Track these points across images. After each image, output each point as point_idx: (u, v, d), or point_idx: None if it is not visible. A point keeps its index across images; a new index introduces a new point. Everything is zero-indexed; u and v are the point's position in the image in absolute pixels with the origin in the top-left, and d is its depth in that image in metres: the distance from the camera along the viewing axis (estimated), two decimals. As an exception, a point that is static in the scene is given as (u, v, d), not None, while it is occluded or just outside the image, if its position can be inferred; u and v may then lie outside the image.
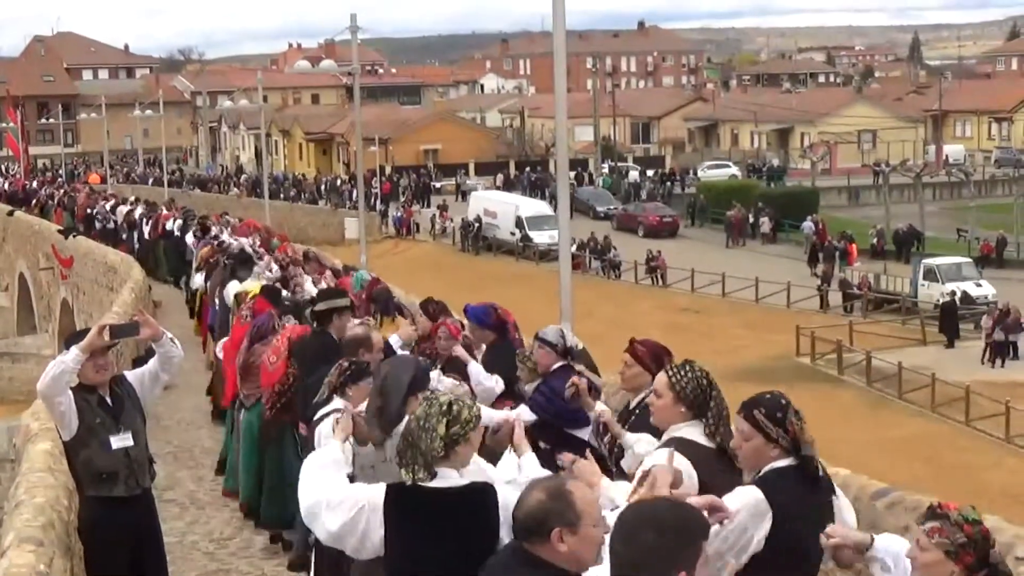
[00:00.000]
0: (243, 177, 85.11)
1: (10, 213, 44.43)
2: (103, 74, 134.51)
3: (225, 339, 12.31)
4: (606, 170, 78.28)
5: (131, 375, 7.46)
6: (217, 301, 15.81)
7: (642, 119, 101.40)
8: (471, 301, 9.39)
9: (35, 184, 58.27)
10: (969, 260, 45.69)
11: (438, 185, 77.90)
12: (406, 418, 5.23)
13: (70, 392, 6.91)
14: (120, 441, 7.04)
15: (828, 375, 33.77)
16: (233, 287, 14.61)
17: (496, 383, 8.12)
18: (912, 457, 26.00)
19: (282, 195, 73.74)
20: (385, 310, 11.48)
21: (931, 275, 43.03)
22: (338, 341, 8.40)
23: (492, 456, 5.64)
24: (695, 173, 76.67)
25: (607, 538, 3.65)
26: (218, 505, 11.00)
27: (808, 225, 52.89)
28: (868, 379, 32.82)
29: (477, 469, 5.15)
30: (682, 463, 4.85)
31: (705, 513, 3.84)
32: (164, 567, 7.57)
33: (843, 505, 4.76)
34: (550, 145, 77.07)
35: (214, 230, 24.13)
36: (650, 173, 77.66)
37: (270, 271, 15.49)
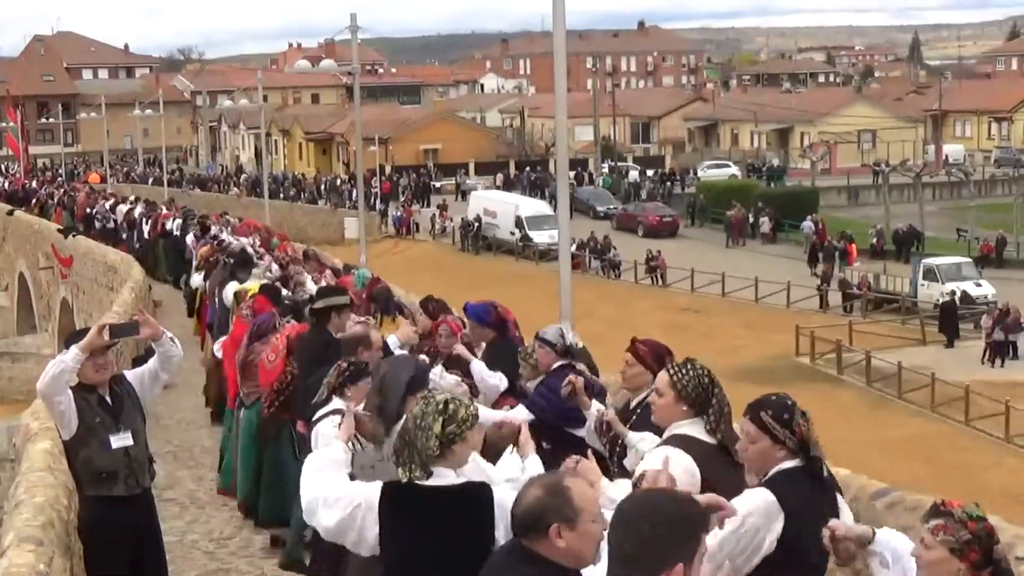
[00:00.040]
0: (243, 177, 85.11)
1: (10, 212, 44.43)
2: (103, 74, 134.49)
3: (224, 338, 12.31)
4: (606, 170, 78.27)
5: (131, 374, 7.46)
6: (216, 301, 15.81)
7: (642, 119, 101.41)
8: (471, 300, 9.40)
9: (34, 184, 58.26)
10: (969, 260, 45.69)
11: (438, 185, 77.90)
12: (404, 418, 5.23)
13: (70, 391, 6.91)
14: (120, 440, 7.04)
15: (828, 375, 33.77)
16: (232, 287, 14.61)
17: (500, 380, 8.12)
18: (912, 457, 26.00)
19: (282, 195, 73.75)
20: (385, 309, 11.48)
21: (931, 275, 43.03)
22: (337, 339, 8.40)
23: (495, 453, 5.64)
24: (695, 173, 76.68)
25: (606, 535, 3.64)
26: (218, 504, 11.01)
27: (808, 225, 52.90)
28: (868, 379, 32.82)
29: (476, 468, 5.15)
30: (684, 460, 4.85)
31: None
32: (164, 566, 7.57)
33: (840, 504, 4.77)
34: (550, 145, 77.10)
35: (214, 230, 24.13)
36: (650, 173, 77.65)
37: (270, 272, 15.49)
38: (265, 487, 9.63)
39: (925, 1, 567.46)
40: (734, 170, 77.18)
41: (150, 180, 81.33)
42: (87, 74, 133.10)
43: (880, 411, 30.59)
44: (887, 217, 55.54)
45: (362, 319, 10.53)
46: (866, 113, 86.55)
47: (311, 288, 13.31)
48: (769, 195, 62.85)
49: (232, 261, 16.01)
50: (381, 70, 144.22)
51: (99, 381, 7.06)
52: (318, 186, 78.23)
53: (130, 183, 79.81)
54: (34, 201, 47.99)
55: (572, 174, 66.83)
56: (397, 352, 8.71)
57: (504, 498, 4.39)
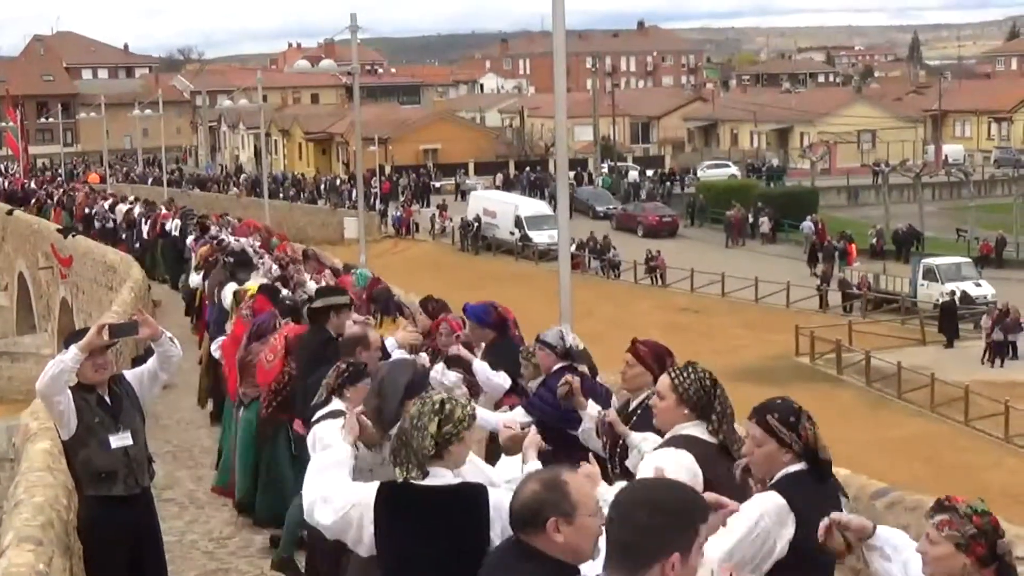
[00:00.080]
0: (242, 177, 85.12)
1: (9, 212, 44.43)
2: (103, 73, 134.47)
3: (222, 338, 12.32)
4: (605, 170, 78.27)
5: (130, 374, 7.46)
6: (216, 300, 15.77)
7: (641, 119, 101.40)
8: (470, 300, 9.39)
9: (33, 184, 58.24)
10: (968, 260, 45.70)
11: (437, 185, 77.89)
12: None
13: (69, 391, 6.91)
14: (119, 440, 7.04)
15: (827, 375, 33.77)
16: (231, 288, 14.59)
17: (504, 380, 8.11)
18: (911, 457, 26.00)
19: (281, 195, 73.76)
20: (385, 310, 11.47)
21: (930, 275, 43.04)
22: (336, 339, 8.39)
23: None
24: (695, 173, 76.68)
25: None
26: (217, 504, 11.00)
27: (807, 225, 52.90)
28: (867, 379, 32.82)
29: (475, 470, 5.15)
30: (685, 458, 4.85)
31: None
32: (163, 566, 7.58)
33: (843, 508, 4.77)
34: (549, 145, 77.11)
35: (213, 230, 24.11)
36: (649, 173, 77.66)
37: (271, 273, 15.47)
38: (262, 487, 9.63)
39: (925, 1, 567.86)
40: (734, 170, 77.18)
41: (150, 180, 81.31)
42: (87, 74, 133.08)
43: (880, 411, 30.59)
44: (887, 217, 55.55)
45: (362, 319, 10.55)
46: (866, 113, 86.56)
47: (311, 288, 13.30)
48: (769, 195, 62.85)
49: (232, 261, 16.00)
50: (381, 70, 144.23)
51: (98, 381, 7.06)
52: (318, 186, 78.24)
53: (129, 183, 79.79)
54: (33, 201, 47.97)
55: (572, 174, 66.83)
56: (395, 354, 8.72)
57: (501, 500, 4.37)
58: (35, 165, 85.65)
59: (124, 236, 34.45)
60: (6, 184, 62.06)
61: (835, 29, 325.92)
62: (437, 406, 4.80)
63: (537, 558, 3.79)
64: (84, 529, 7.12)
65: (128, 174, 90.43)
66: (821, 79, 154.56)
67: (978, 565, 3.93)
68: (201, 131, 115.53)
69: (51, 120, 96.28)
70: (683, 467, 4.76)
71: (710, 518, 3.70)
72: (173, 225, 29.36)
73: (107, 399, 7.09)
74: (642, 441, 5.83)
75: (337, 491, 4.92)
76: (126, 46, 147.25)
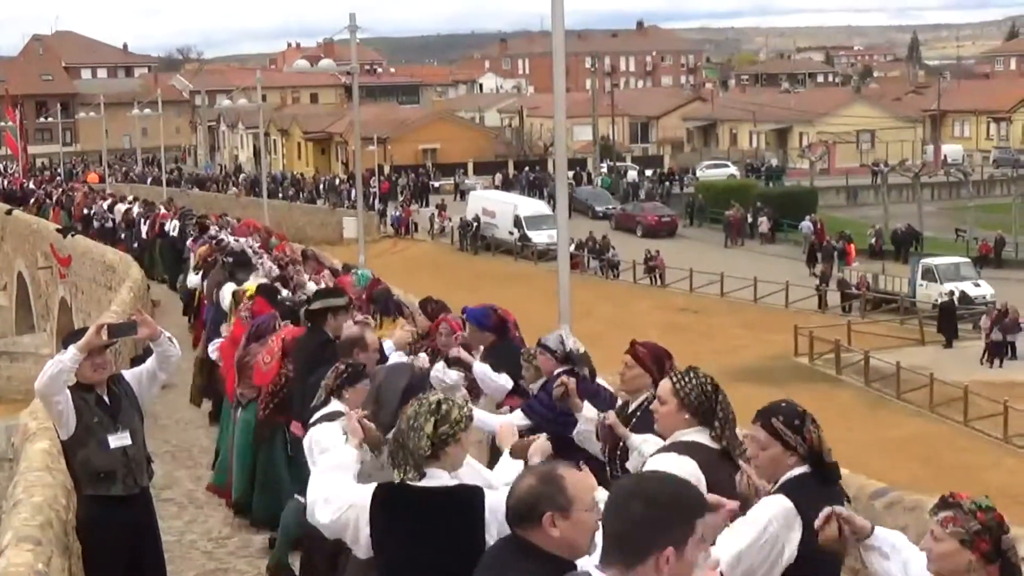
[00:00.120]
0: (241, 176, 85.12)
1: (8, 212, 44.43)
2: (102, 73, 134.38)
3: (220, 340, 12.33)
4: (605, 170, 78.27)
5: (129, 374, 7.46)
6: (215, 300, 15.76)
7: (641, 119, 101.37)
8: (470, 300, 9.41)
9: (32, 184, 58.23)
10: (967, 260, 45.71)
11: (436, 184, 77.88)
12: None
13: (68, 391, 6.91)
14: (118, 440, 7.04)
15: (826, 375, 33.78)
16: (229, 288, 14.59)
17: (506, 381, 8.10)
18: (910, 457, 26.00)
19: (280, 194, 73.75)
20: (385, 310, 11.46)
21: (929, 275, 43.06)
22: (333, 341, 8.38)
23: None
24: (694, 173, 76.69)
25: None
26: (216, 504, 11.00)
27: (806, 225, 52.91)
28: (866, 379, 32.83)
29: (474, 472, 5.14)
30: (688, 465, 4.84)
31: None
32: (162, 566, 7.58)
33: None
34: (549, 145, 77.04)
35: (212, 230, 24.10)
36: (648, 173, 77.67)
37: (271, 274, 15.46)
38: (259, 488, 9.65)
39: (924, 1, 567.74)
40: (733, 170, 77.18)
41: (149, 180, 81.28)
42: (86, 73, 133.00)
43: (879, 411, 30.59)
44: (886, 217, 55.58)
45: (363, 318, 10.55)
46: (865, 113, 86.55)
47: (311, 289, 13.30)
48: (768, 195, 62.85)
49: (231, 261, 16.00)
50: (380, 70, 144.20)
51: (97, 381, 7.06)
52: (317, 186, 78.24)
53: (129, 183, 79.76)
54: (32, 201, 47.95)
55: (571, 174, 66.83)
56: (393, 355, 8.73)
57: (498, 502, 4.34)
58: (34, 165, 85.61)
59: (123, 236, 34.44)
60: (5, 184, 62.06)
61: (834, 29, 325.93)
62: (433, 406, 4.79)
63: (533, 553, 3.78)
64: (83, 529, 7.11)
65: (127, 174, 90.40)
66: (820, 79, 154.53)
67: (983, 561, 3.92)
68: (200, 131, 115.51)
69: (50, 120, 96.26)
70: (686, 473, 4.76)
71: (711, 518, 3.69)
72: (172, 225, 29.37)
73: (106, 399, 7.09)
74: (642, 443, 5.82)
75: (337, 491, 4.93)
76: (125, 46, 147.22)
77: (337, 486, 4.98)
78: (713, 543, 3.99)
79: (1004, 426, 27.87)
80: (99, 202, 41.19)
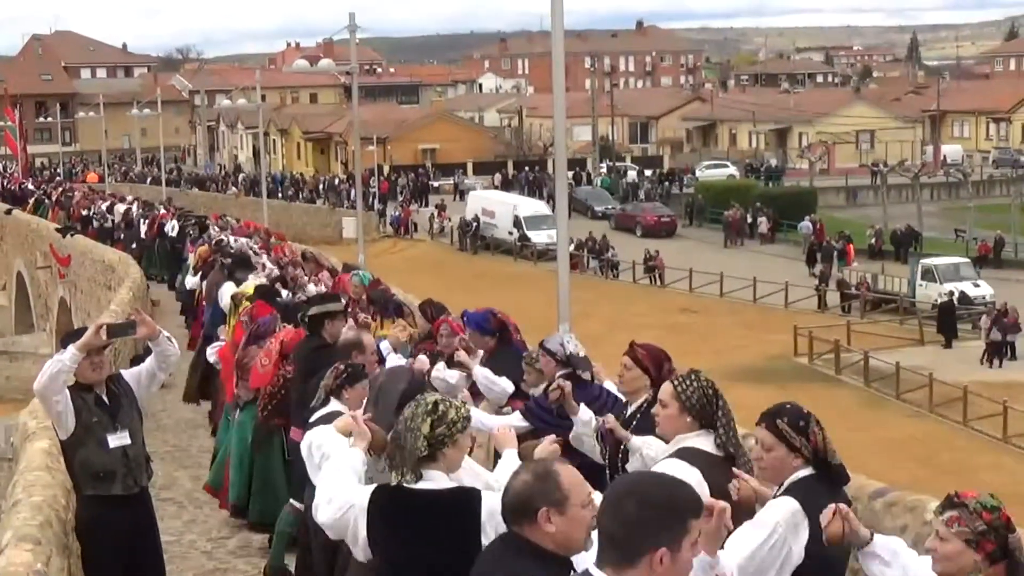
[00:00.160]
0: (241, 176, 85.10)
1: (8, 211, 44.43)
2: (101, 73, 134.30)
3: (219, 344, 12.33)
4: (604, 170, 78.28)
5: (128, 373, 7.45)
6: (215, 300, 15.75)
7: (640, 119, 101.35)
8: (469, 300, 9.42)
9: (30, 185, 58.22)
10: (967, 260, 45.74)
11: (436, 184, 77.88)
12: None
13: (67, 391, 6.90)
14: (117, 440, 7.03)
15: (826, 375, 33.78)
16: (229, 288, 14.59)
17: (507, 384, 8.10)
18: (910, 457, 26.00)
19: (280, 194, 73.73)
20: (384, 311, 11.46)
21: (929, 275, 43.08)
22: (331, 346, 8.40)
23: None
24: (693, 173, 76.70)
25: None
26: (215, 504, 11.00)
27: (806, 225, 52.94)
28: (866, 379, 32.83)
29: (474, 474, 5.13)
30: (692, 473, 4.84)
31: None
32: (161, 566, 7.57)
33: None
34: (548, 145, 77.01)
35: (212, 231, 24.12)
36: (648, 173, 77.68)
37: (271, 275, 15.46)
38: (255, 492, 9.66)
39: (923, 1, 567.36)
40: (732, 170, 77.20)
41: (148, 180, 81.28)
42: (85, 73, 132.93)
43: (878, 411, 30.59)
44: (885, 217, 55.60)
45: (365, 318, 10.56)
46: (864, 113, 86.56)
47: (312, 292, 13.31)
48: (767, 195, 62.88)
49: (230, 261, 16.01)
50: (379, 70, 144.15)
51: (96, 380, 7.05)
52: (316, 186, 78.23)
53: (128, 183, 79.80)
54: (32, 201, 47.95)
55: (570, 174, 66.81)
56: (390, 356, 8.75)
57: (495, 504, 4.32)
58: (34, 165, 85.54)
59: (123, 236, 34.46)
60: (5, 184, 62.04)
61: (834, 29, 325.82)
62: (430, 407, 4.78)
63: (527, 550, 3.77)
64: (82, 529, 7.11)
65: (127, 173, 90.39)
66: (820, 79, 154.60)
67: (988, 561, 3.90)
68: (200, 131, 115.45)
69: (50, 119, 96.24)
70: (690, 481, 4.75)
71: (710, 521, 3.68)
72: (171, 225, 29.39)
73: (105, 399, 7.08)
74: (643, 445, 5.81)
75: (338, 492, 4.93)
76: (125, 45, 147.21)
77: (338, 486, 4.98)
78: (721, 546, 3.99)
79: (1003, 426, 27.87)
80: (98, 203, 41.20)
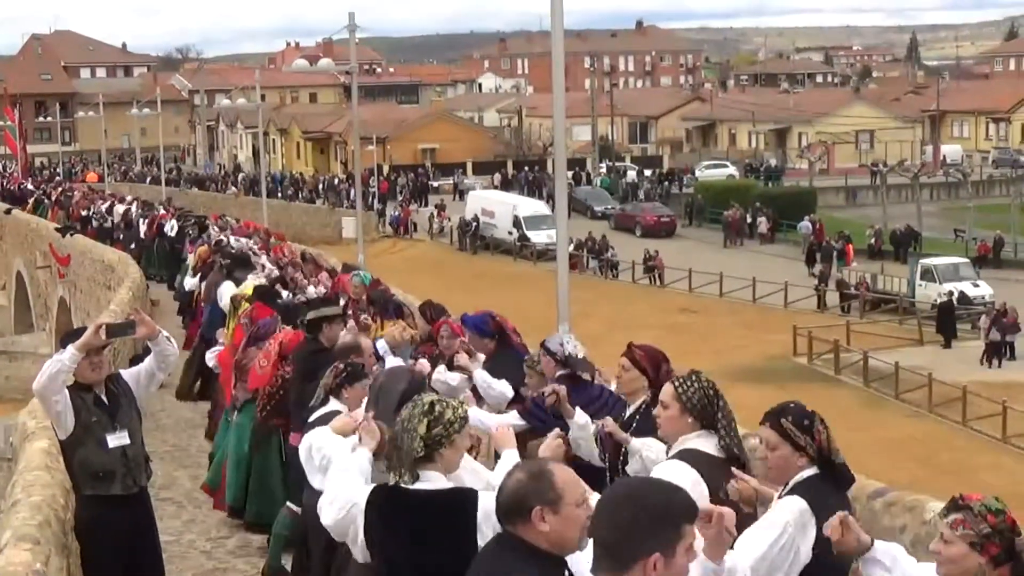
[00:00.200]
0: (240, 176, 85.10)
1: (7, 211, 44.43)
2: (101, 72, 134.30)
3: (218, 348, 12.33)
4: (604, 170, 78.29)
5: (127, 373, 7.45)
6: (215, 299, 15.74)
7: (640, 119, 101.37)
8: (469, 300, 9.43)
9: (30, 184, 58.22)
10: (966, 260, 45.74)
11: (436, 184, 77.89)
12: None
13: (66, 391, 6.90)
14: (117, 440, 7.03)
15: (825, 375, 33.78)
16: (227, 288, 14.59)
17: (506, 388, 8.10)
18: (909, 457, 26.01)
19: (279, 194, 73.73)
20: (384, 312, 11.46)
21: (928, 275, 43.09)
22: (329, 350, 8.42)
23: None
24: (693, 173, 76.71)
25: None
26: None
27: (805, 225, 52.94)
28: (865, 379, 32.84)
29: (473, 472, 5.12)
30: (691, 475, 4.83)
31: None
32: (160, 566, 7.57)
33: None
34: (548, 144, 77.03)
35: (212, 231, 24.12)
36: (648, 173, 77.69)
37: (271, 275, 15.46)
38: (252, 494, 9.67)
39: (923, 1, 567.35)
40: (732, 170, 77.21)
41: (148, 179, 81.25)
42: (85, 73, 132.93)
43: (877, 411, 30.59)
44: (885, 217, 55.60)
45: (365, 319, 10.57)
46: (864, 113, 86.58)
47: (311, 294, 13.31)
48: (767, 195, 62.88)
49: (228, 261, 16.01)
50: (379, 69, 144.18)
51: (95, 380, 7.05)
52: (316, 185, 78.24)
53: (128, 182, 79.78)
54: (32, 200, 47.95)
55: (570, 174, 66.80)
56: (387, 355, 8.76)
57: (491, 505, 4.29)
58: (33, 164, 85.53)
59: (122, 236, 34.46)
60: (4, 183, 62.04)
61: (833, 29, 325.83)
62: (426, 407, 4.77)
63: (521, 549, 3.77)
64: (82, 528, 7.11)
65: (126, 173, 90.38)
66: (819, 79, 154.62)
67: (992, 564, 3.88)
68: (199, 130, 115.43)
69: (49, 119, 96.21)
70: (689, 482, 4.75)
71: (709, 526, 3.67)
72: (170, 225, 29.40)
73: (104, 398, 7.08)
74: (643, 447, 5.81)
75: (340, 492, 4.93)
76: (124, 45, 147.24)
77: (341, 486, 4.98)
78: (731, 546, 3.98)
79: (1003, 426, 27.88)
80: (98, 203, 41.20)
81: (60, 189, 50.63)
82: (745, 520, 4.47)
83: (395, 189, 74.06)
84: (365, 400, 6.52)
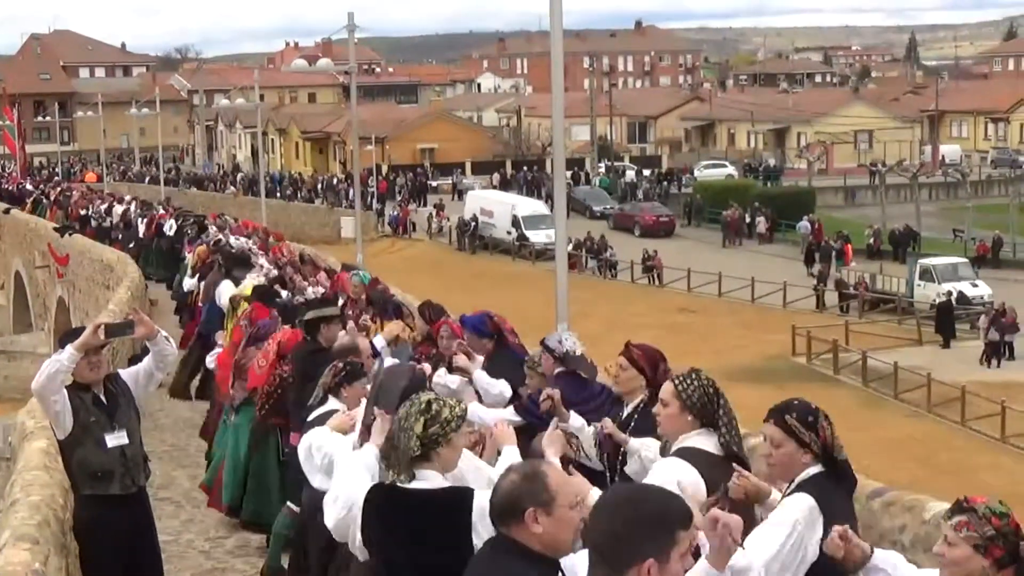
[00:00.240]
0: (239, 176, 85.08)
1: (6, 211, 44.41)
2: (100, 72, 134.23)
3: (218, 351, 12.33)
4: (603, 169, 78.30)
5: (125, 373, 7.45)
6: (215, 298, 15.72)
7: (639, 118, 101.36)
8: (468, 300, 9.43)
9: (29, 184, 58.19)
10: (965, 260, 45.74)
11: (435, 184, 77.89)
12: None
13: (65, 391, 6.90)
14: (115, 439, 7.03)
15: (824, 375, 33.77)
16: (226, 288, 14.57)
17: (504, 387, 8.10)
18: (908, 457, 26.00)
19: (278, 194, 73.72)
20: (384, 312, 11.46)
21: (927, 275, 43.08)
22: (327, 350, 8.43)
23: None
24: (692, 173, 76.72)
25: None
26: (213, 504, 11.00)
27: (804, 225, 52.94)
28: (864, 379, 32.83)
29: (476, 470, 5.12)
30: (690, 473, 4.83)
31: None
32: (159, 566, 7.57)
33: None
34: (547, 144, 77.02)
35: (212, 230, 24.10)
36: (647, 172, 77.69)
37: (270, 275, 15.44)
38: (250, 490, 9.67)
39: (922, 1, 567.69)
40: (731, 170, 77.23)
41: (147, 179, 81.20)
42: (84, 72, 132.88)
43: (876, 411, 30.59)
44: (884, 217, 55.60)
45: (365, 320, 10.56)
46: (863, 113, 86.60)
47: (310, 295, 13.30)
48: (766, 195, 62.88)
49: (228, 260, 15.99)
50: (378, 69, 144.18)
51: (94, 380, 7.05)
52: (315, 185, 78.22)
53: (127, 182, 79.73)
54: (31, 200, 47.91)
55: (569, 174, 66.78)
56: (384, 351, 8.76)
57: (486, 504, 4.31)
58: (32, 164, 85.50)
59: (121, 236, 34.45)
60: (3, 183, 62.00)
61: (832, 29, 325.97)
62: (423, 406, 4.75)
63: (514, 550, 3.77)
64: (80, 528, 7.10)
65: (125, 173, 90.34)
66: (818, 79, 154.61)
67: (996, 567, 3.87)
68: (198, 130, 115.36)
69: (48, 119, 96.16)
70: (688, 480, 4.74)
71: (713, 534, 3.65)
72: (169, 225, 29.39)
73: (103, 398, 7.08)
74: (642, 447, 5.80)
75: (341, 491, 4.92)
76: (123, 45, 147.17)
77: (344, 484, 4.98)
78: (741, 546, 3.96)
79: (1001, 426, 27.88)
80: (96, 202, 41.18)
81: (59, 189, 50.57)
82: (744, 519, 4.46)
83: (394, 189, 74.06)
84: (364, 399, 6.53)
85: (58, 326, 32.28)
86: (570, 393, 6.82)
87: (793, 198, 61.07)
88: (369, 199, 64.81)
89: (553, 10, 11.63)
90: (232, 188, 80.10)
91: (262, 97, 67.52)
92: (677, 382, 5.14)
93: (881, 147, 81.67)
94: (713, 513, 3.75)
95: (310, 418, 6.68)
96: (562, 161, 12.79)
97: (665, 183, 72.50)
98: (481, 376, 8.19)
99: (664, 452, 5.49)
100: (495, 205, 58.25)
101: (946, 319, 37.22)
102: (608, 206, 64.54)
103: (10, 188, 57.19)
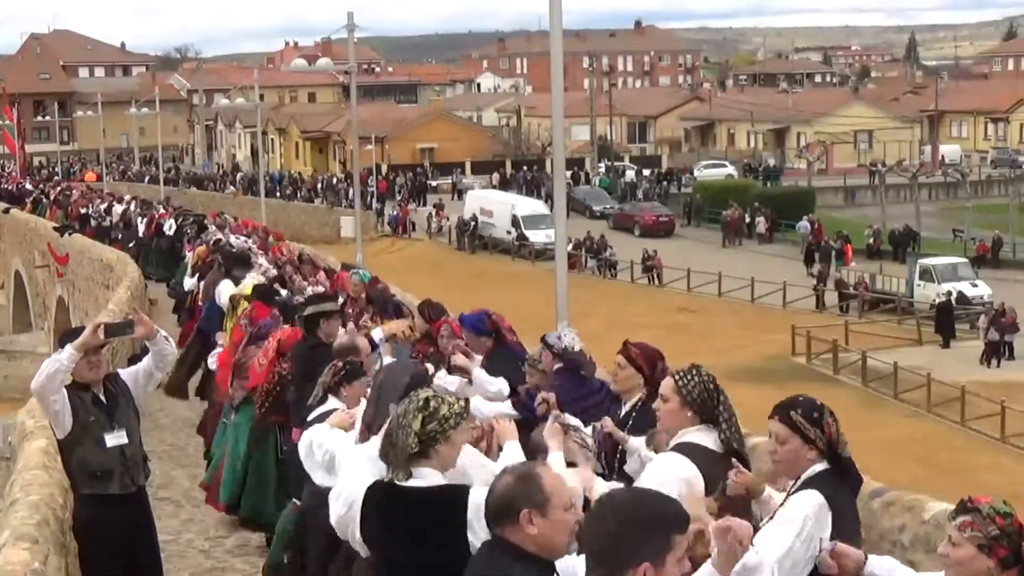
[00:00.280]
0: (239, 175, 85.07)
1: (6, 211, 44.40)
2: (99, 72, 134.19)
3: (218, 351, 12.33)
4: (602, 169, 78.32)
5: (125, 373, 7.45)
6: (215, 298, 15.71)
7: (639, 118, 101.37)
8: (467, 300, 9.41)
9: (29, 184, 58.18)
10: (965, 260, 45.76)
11: (434, 184, 77.90)
12: None
13: (64, 390, 6.90)
14: (115, 439, 7.03)
15: (824, 375, 33.77)
16: (226, 287, 14.56)
17: (503, 385, 8.11)
18: (908, 457, 26.00)
19: (278, 194, 73.72)
20: (384, 311, 11.46)
21: (927, 275, 43.09)
22: (328, 345, 8.42)
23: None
24: (691, 172, 76.72)
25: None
26: (213, 503, 11.00)
27: (804, 225, 52.95)
28: (864, 379, 32.83)
29: (478, 464, 5.11)
30: (688, 468, 4.83)
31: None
32: (159, 565, 7.57)
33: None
34: (546, 144, 77.02)
35: (212, 230, 24.09)
36: (646, 172, 77.71)
37: (269, 274, 15.43)
38: (248, 487, 9.67)
39: (922, 1, 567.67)
40: (730, 170, 77.25)
41: (146, 179, 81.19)
42: (83, 72, 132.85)
43: (876, 411, 30.58)
44: (883, 217, 55.60)
45: (365, 320, 10.56)
46: (863, 113, 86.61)
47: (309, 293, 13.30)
48: (766, 195, 62.90)
49: (227, 259, 15.98)
50: (378, 69, 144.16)
51: (93, 379, 7.05)
52: (315, 185, 78.23)
53: (126, 181, 79.72)
54: (30, 200, 47.89)
55: (569, 173, 66.77)
56: (382, 344, 8.76)
57: (482, 500, 4.31)
58: (32, 164, 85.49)
59: (120, 235, 34.44)
60: (2, 183, 62.00)
61: (832, 29, 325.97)
62: (421, 403, 4.74)
63: (509, 552, 3.77)
64: (80, 528, 7.10)
65: (125, 172, 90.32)
66: (818, 79, 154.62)
67: (1000, 567, 3.86)
68: (198, 130, 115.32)
69: (48, 118, 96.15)
70: (686, 476, 4.74)
71: (722, 541, 3.65)
72: (169, 224, 29.38)
73: (102, 398, 7.08)
74: (640, 446, 5.80)
75: (342, 489, 4.92)
76: (123, 44, 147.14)
77: (346, 482, 4.98)
78: (752, 543, 3.95)
79: (1001, 426, 27.88)
80: (96, 202, 41.17)
81: (58, 188, 50.55)
82: (739, 512, 4.46)
83: (394, 188, 74.07)
84: (364, 398, 6.52)
85: (58, 326, 32.27)
86: (569, 389, 6.82)
87: (793, 198, 61.08)
88: (369, 199, 64.82)
89: (553, 10, 11.62)
90: (232, 188, 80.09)
91: (262, 97, 67.52)
92: (677, 377, 5.14)
93: (881, 147, 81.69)
94: (726, 522, 3.73)
95: (310, 417, 6.68)
96: (562, 161, 12.78)
97: (665, 183, 72.52)
98: (480, 374, 8.19)
99: (649, 445, 5.51)
100: (495, 205, 58.27)
101: (946, 319, 37.23)
102: (608, 206, 64.55)
103: (10, 188, 57.18)
